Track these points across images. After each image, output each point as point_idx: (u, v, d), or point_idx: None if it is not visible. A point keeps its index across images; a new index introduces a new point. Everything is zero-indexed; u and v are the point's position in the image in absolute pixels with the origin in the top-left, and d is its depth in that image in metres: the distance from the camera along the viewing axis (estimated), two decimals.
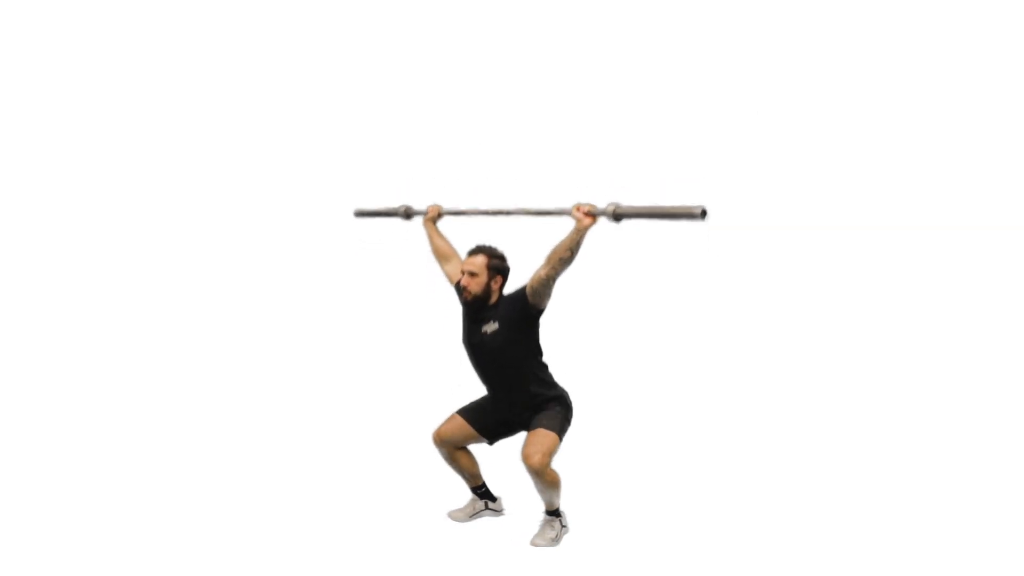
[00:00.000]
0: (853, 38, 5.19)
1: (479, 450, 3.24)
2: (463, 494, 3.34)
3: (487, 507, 3.27)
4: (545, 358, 3.04)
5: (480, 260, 2.94)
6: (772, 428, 4.15)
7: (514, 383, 2.94)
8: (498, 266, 2.96)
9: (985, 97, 5.05)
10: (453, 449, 3.14)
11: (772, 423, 4.22)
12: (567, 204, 2.75)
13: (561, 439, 2.91)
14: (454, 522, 3.22)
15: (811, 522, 3.11)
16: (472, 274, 2.93)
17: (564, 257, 2.71)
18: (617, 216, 2.62)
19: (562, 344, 3.20)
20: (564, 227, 2.75)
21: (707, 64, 5.35)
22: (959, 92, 5.09)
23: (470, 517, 3.24)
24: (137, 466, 3.71)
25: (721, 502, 3.32)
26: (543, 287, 2.80)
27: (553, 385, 3.01)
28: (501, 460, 3.28)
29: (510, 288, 2.99)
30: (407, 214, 3.44)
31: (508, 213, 3.04)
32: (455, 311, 3.10)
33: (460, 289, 2.98)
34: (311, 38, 5.54)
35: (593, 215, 2.66)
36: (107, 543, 2.96)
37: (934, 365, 4.72)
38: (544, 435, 2.86)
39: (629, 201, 2.63)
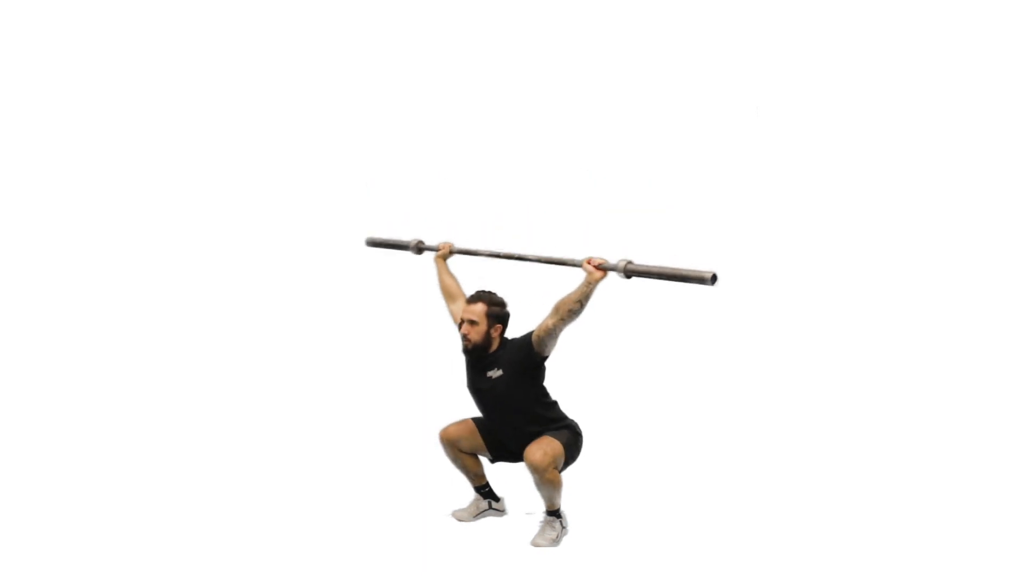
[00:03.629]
0: (857, 40, 5.16)
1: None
2: (466, 493, 3.35)
3: (490, 507, 3.29)
4: (552, 388, 3.05)
5: (480, 308, 2.95)
6: (771, 435, 4.12)
7: (520, 425, 2.96)
8: (498, 314, 2.98)
9: (984, 105, 5.01)
10: (458, 450, 3.18)
11: (771, 430, 4.19)
12: (579, 253, 2.79)
13: (567, 456, 2.96)
14: (458, 522, 3.25)
15: (810, 531, 3.10)
16: (472, 322, 2.95)
17: (573, 309, 2.75)
18: (628, 273, 2.65)
19: (563, 352, 3.21)
20: (574, 275, 2.79)
21: (711, 66, 5.34)
22: (958, 100, 5.05)
23: (474, 517, 3.27)
24: (144, 472, 3.73)
25: (722, 508, 3.32)
26: (549, 337, 2.83)
27: (562, 418, 3.03)
28: (499, 466, 3.30)
29: (515, 331, 3.01)
30: (418, 249, 3.48)
31: (519, 258, 3.07)
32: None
33: (461, 337, 3.00)
34: (329, 65, 5.56)
35: (603, 269, 2.69)
36: (109, 542, 2.98)
37: (933, 372, 4.68)
38: (550, 441, 2.92)
39: (641, 251, 2.69)
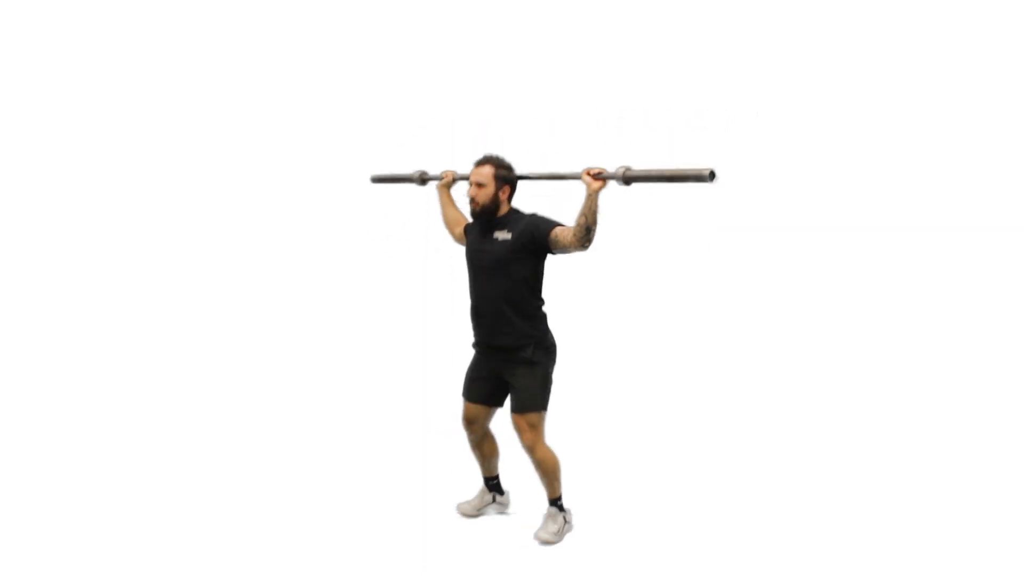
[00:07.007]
0: (855, 39, 5.21)
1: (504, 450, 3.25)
2: (471, 487, 3.34)
3: (495, 500, 3.26)
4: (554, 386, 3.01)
5: (487, 170, 2.92)
6: (774, 426, 4.12)
7: (506, 301, 2.88)
8: (505, 176, 2.94)
9: (985, 97, 5.05)
10: (481, 434, 3.14)
11: (774, 421, 4.19)
12: (578, 169, 2.75)
13: (546, 403, 2.92)
14: (462, 516, 3.21)
15: (813, 520, 3.10)
16: (480, 184, 2.91)
17: (581, 223, 2.69)
18: (627, 179, 2.62)
19: (568, 342, 3.19)
20: (578, 192, 2.75)
21: (711, 66, 5.37)
22: (959, 92, 5.10)
23: (478, 511, 3.23)
24: (142, 468, 3.69)
25: (725, 500, 3.31)
26: (561, 247, 2.79)
27: (542, 329, 2.95)
28: (509, 461, 3.28)
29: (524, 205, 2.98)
30: (422, 180, 3.46)
31: (522, 177, 3.04)
32: (462, 306, 3.09)
33: (469, 200, 2.96)
34: (332, 53, 5.59)
35: (603, 178, 2.67)
36: (107, 541, 2.96)
37: (935, 365, 4.69)
38: (527, 415, 2.89)
39: (639, 240, 2.66)
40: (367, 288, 5.45)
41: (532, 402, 2.88)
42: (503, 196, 2.94)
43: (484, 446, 3.17)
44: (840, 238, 5.29)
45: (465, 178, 3.22)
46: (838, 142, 5.30)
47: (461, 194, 3.34)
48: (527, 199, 3.09)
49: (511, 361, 2.91)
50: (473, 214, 2.97)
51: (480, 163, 2.96)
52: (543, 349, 2.92)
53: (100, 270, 5.39)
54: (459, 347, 3.29)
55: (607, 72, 5.50)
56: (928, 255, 5.11)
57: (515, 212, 2.96)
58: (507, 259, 2.86)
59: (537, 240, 2.82)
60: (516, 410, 2.91)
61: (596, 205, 2.66)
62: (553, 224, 2.83)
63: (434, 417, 4.27)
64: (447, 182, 3.34)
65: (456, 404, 3.15)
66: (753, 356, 5.02)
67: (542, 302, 2.97)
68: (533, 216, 2.90)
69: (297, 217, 5.65)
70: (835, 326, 5.13)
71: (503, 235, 2.89)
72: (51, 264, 5.34)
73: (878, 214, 5.24)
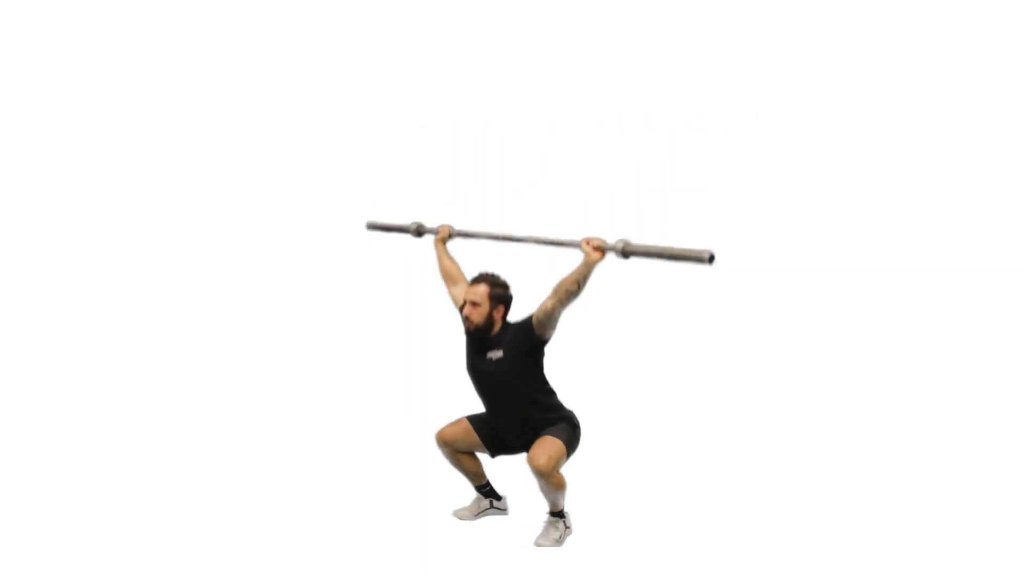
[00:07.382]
0: (855, 39, 5.18)
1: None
2: (468, 493, 3.35)
3: (492, 505, 3.28)
4: (552, 382, 3.04)
5: (482, 289, 2.95)
6: (774, 447, 4.09)
7: (519, 411, 2.95)
8: (500, 295, 2.97)
9: (986, 95, 5.02)
10: (456, 451, 3.16)
11: (774, 443, 4.16)
12: (577, 235, 2.79)
13: (568, 452, 2.95)
14: (460, 521, 3.24)
15: (815, 532, 3.10)
16: (474, 303, 2.94)
17: (571, 290, 2.75)
18: (625, 253, 2.67)
19: (567, 359, 3.20)
20: (573, 257, 2.79)
21: (718, 103, 5.37)
22: (961, 90, 5.07)
23: (475, 516, 3.26)
24: (140, 472, 3.71)
25: (723, 512, 3.31)
26: (548, 319, 2.82)
27: (559, 408, 3.02)
28: (505, 459, 3.27)
29: (517, 314, 3.00)
30: (418, 232, 3.47)
31: (518, 240, 3.06)
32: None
33: (463, 319, 3.00)
34: (330, 53, 5.57)
35: (602, 250, 2.69)
36: (107, 542, 2.98)
37: (935, 404, 4.55)
38: (552, 441, 2.89)
39: (638, 238, 2.70)
40: (366, 288, 5.44)
41: (560, 437, 2.91)
42: (497, 316, 2.96)
43: (463, 459, 3.18)
44: (841, 238, 5.27)
45: (462, 234, 3.25)
46: (839, 142, 5.28)
47: (457, 250, 3.37)
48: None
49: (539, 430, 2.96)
50: (467, 332, 2.99)
51: (475, 281, 2.98)
52: (570, 424, 2.98)
53: (96, 272, 5.39)
54: (458, 348, 3.30)
55: (607, 72, 5.49)
56: (934, 254, 5.07)
57: (506, 327, 2.97)
58: (507, 376, 2.91)
59: (525, 342, 2.88)
60: (542, 436, 2.92)
61: (590, 274, 2.71)
62: (530, 316, 2.87)
63: (433, 419, 4.28)
64: (442, 237, 3.35)
65: (454, 405, 3.17)
66: (757, 366, 4.94)
67: (553, 390, 3.02)
68: (512, 324, 2.94)
69: (295, 217, 5.64)
70: (839, 329, 5.08)
71: (496, 354, 2.92)
72: (47, 281, 5.34)
73: (879, 213, 5.22)
